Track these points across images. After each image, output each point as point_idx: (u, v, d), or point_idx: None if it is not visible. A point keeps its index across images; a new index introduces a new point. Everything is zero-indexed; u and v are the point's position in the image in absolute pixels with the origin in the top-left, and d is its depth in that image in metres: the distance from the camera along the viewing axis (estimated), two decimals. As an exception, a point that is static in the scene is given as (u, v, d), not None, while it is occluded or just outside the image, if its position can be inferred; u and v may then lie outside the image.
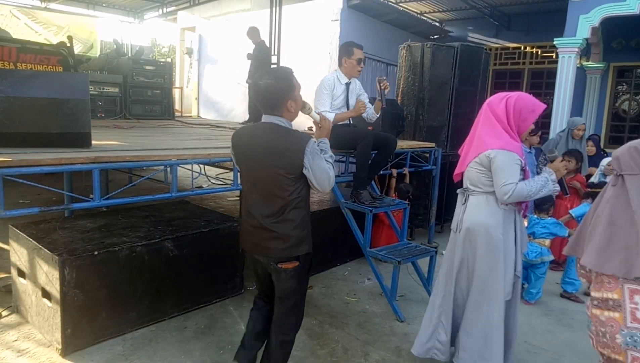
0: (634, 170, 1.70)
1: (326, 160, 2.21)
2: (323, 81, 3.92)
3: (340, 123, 3.93)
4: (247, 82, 7.34)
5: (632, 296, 1.63)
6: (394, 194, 4.99)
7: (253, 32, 7.41)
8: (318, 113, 2.41)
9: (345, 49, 3.96)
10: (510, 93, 2.58)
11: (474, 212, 2.60)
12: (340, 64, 3.99)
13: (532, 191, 2.39)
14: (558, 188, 2.47)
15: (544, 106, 2.55)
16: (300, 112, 2.30)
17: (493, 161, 2.45)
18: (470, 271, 2.65)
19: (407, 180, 5.12)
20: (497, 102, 2.56)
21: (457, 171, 2.78)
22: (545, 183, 2.41)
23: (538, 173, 2.62)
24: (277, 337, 2.36)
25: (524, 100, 2.50)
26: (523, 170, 2.49)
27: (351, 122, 4.14)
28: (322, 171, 2.15)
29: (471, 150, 2.63)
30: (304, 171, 2.13)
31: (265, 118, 2.21)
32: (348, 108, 4.02)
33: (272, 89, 2.14)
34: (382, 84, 3.86)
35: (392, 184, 4.99)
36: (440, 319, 2.76)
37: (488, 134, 2.53)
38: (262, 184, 2.19)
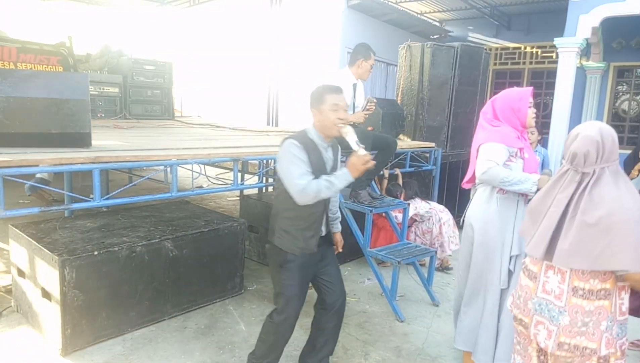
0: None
1: (326, 179, 2.20)
2: (334, 79, 3.89)
3: None
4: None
5: (546, 271, 1.84)
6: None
7: None
8: (358, 146, 2.25)
9: (365, 52, 3.92)
10: (495, 96, 2.68)
11: (473, 205, 2.70)
12: (352, 64, 3.95)
13: (508, 180, 2.41)
14: (534, 190, 2.41)
15: (530, 88, 2.61)
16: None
17: (480, 150, 2.56)
18: (468, 260, 2.74)
19: (400, 181, 5.04)
20: (486, 110, 2.67)
21: (465, 179, 2.83)
22: (526, 179, 2.41)
23: None
24: None
25: (507, 94, 2.61)
26: (521, 158, 2.55)
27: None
28: (288, 175, 2.20)
29: (472, 159, 2.71)
30: (276, 166, 2.31)
31: None
32: (354, 109, 4.02)
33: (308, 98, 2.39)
34: (369, 104, 3.81)
35: (384, 185, 4.95)
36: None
37: (480, 135, 2.63)
38: None
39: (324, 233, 2.47)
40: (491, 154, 2.47)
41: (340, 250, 2.74)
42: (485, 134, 2.57)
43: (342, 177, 2.21)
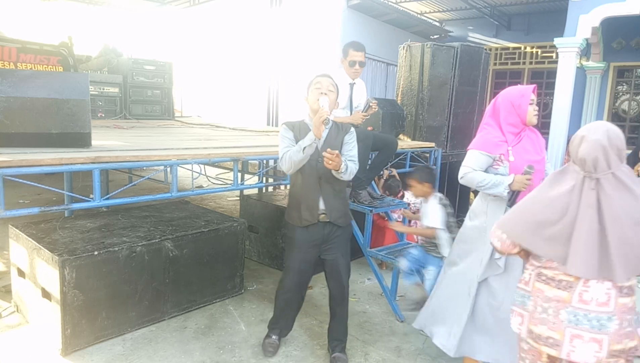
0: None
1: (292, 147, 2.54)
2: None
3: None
4: None
5: (586, 281, 1.69)
6: (385, 193, 4.95)
7: None
8: (321, 107, 2.50)
9: (343, 49, 3.88)
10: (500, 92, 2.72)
11: (474, 203, 2.82)
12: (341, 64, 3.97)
13: (483, 184, 2.53)
14: (505, 193, 2.47)
15: (532, 86, 2.61)
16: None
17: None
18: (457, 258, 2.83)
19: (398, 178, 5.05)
20: (488, 107, 2.73)
21: None
22: (499, 183, 2.50)
23: None
24: None
25: (509, 92, 2.64)
26: (507, 161, 2.54)
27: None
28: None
29: None
30: None
31: None
32: (351, 109, 4.00)
33: None
34: (372, 104, 3.76)
35: (380, 183, 4.95)
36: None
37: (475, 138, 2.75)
38: None
39: (322, 209, 2.64)
40: (468, 161, 2.62)
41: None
42: (473, 141, 2.69)
43: (307, 137, 2.46)
